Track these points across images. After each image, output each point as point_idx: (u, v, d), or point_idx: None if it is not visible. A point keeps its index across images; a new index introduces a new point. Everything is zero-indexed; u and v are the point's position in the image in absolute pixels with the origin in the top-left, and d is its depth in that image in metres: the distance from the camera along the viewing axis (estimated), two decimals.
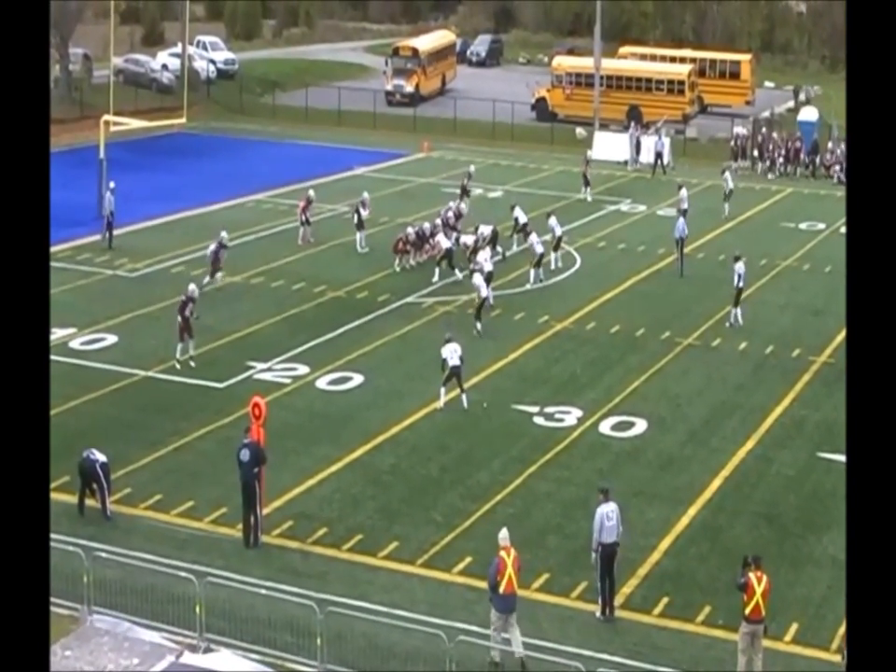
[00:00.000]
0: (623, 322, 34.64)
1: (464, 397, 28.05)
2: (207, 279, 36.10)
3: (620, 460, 25.84)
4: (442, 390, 27.97)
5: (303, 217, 42.43)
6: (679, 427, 27.58)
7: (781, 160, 57.09)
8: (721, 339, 33.42)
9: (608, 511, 19.78)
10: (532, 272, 38.13)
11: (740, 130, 60.27)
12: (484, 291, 33.68)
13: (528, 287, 37.62)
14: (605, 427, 27.46)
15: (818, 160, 56.61)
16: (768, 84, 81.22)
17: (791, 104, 74.75)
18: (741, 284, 34.35)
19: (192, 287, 30.98)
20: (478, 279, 33.69)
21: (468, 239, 39.73)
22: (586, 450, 26.31)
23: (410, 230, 40.17)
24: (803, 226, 47.17)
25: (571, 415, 27.85)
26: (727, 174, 48.83)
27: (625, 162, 58.18)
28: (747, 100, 72.39)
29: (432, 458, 25.74)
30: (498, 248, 40.31)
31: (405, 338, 33.23)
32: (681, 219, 40.57)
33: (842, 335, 33.99)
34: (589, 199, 49.57)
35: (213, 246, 36.69)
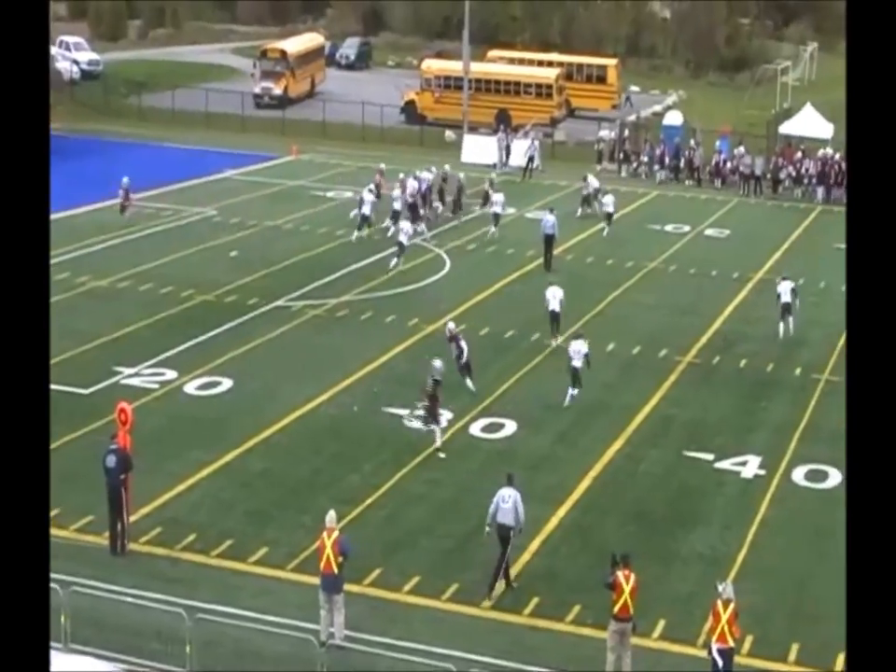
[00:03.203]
0: (492, 324, 34.86)
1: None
2: None
3: (491, 461, 25.99)
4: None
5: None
6: (548, 428, 27.85)
7: (646, 163, 58.07)
8: (588, 340, 33.72)
9: (504, 495, 20.59)
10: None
11: (605, 133, 61.10)
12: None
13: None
14: (475, 429, 27.61)
15: (681, 163, 57.71)
16: (634, 88, 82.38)
17: (657, 108, 75.97)
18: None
19: None
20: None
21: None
22: (457, 452, 26.42)
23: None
24: (668, 228, 48.00)
25: (442, 417, 27.90)
26: (589, 177, 49.52)
27: (494, 165, 58.57)
28: (613, 104, 73.38)
29: (304, 461, 25.62)
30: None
31: (275, 341, 33.02)
32: (552, 216, 40.94)
33: (707, 335, 34.69)
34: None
35: None
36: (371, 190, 45.01)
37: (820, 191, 54.18)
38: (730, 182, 56.59)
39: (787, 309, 34.91)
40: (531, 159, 56.95)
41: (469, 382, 29.28)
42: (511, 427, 27.80)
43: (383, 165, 49.42)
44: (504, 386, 30.25)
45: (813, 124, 58.22)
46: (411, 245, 40.82)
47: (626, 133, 61.05)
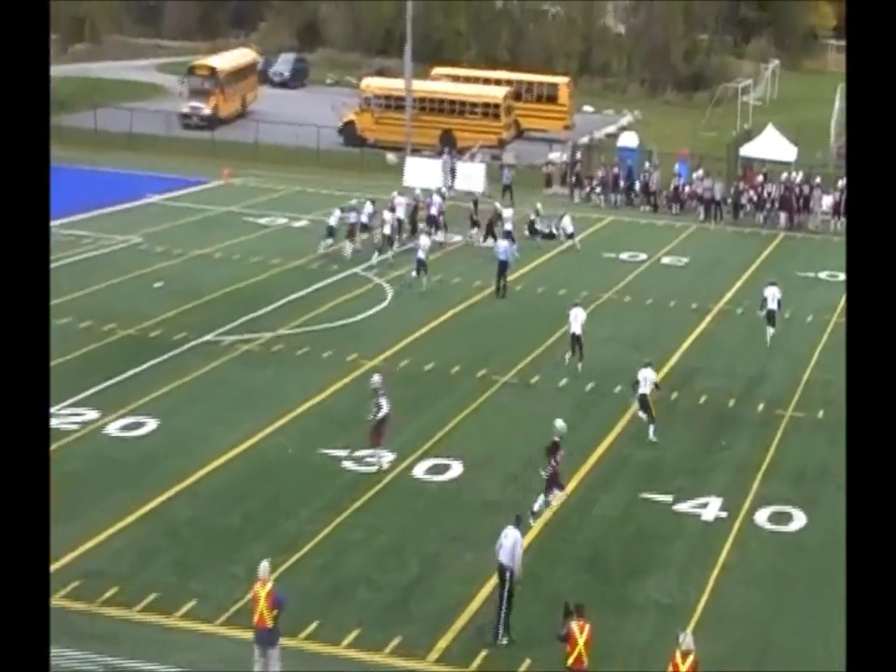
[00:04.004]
0: (438, 359, 35.01)
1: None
2: None
3: (435, 505, 26.08)
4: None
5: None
6: (497, 469, 27.98)
7: (599, 188, 58.53)
8: (539, 375, 34.05)
9: (506, 531, 21.16)
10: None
11: (554, 155, 61.46)
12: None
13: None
14: (419, 471, 27.69)
15: (636, 187, 58.25)
16: (587, 108, 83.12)
17: (611, 128, 76.68)
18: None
19: None
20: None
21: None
22: (400, 495, 26.48)
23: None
24: (624, 256, 48.43)
25: (384, 458, 27.97)
26: (496, 204, 49.56)
27: (438, 190, 58.71)
28: (565, 124, 73.97)
29: (234, 507, 25.58)
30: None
31: (204, 379, 32.96)
32: (505, 242, 41.73)
33: (664, 370, 34.97)
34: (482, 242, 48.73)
35: None
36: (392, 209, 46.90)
37: (783, 217, 54.90)
38: (688, 207, 57.18)
39: (771, 317, 36.37)
40: (507, 187, 56.74)
41: (370, 451, 27.61)
42: (457, 468, 27.91)
43: (419, 190, 50.85)
44: (450, 425, 30.37)
45: (775, 146, 58.94)
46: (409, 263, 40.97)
47: (579, 155, 61.54)
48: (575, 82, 79.86)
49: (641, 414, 30.56)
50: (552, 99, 74.48)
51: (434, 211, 48.30)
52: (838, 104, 66.83)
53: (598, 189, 58.74)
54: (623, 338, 37.72)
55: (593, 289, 42.93)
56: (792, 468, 28.65)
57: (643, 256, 48.59)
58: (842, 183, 53.98)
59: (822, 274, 46.39)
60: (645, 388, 30.29)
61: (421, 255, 41.78)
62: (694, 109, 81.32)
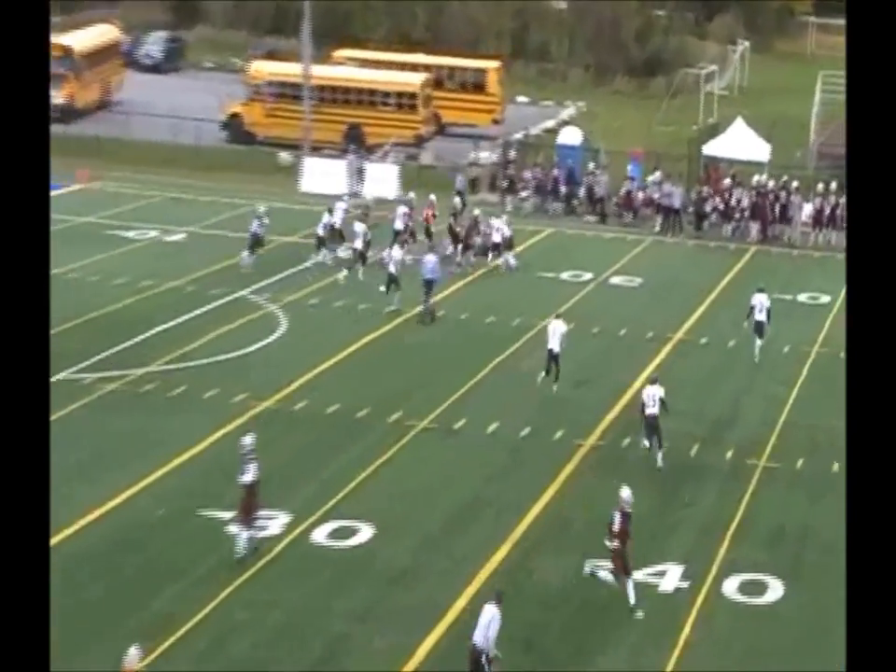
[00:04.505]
0: (343, 399, 35.12)
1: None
2: None
3: (340, 576, 26.15)
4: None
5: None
6: (413, 532, 28.11)
7: (535, 194, 58.81)
8: (465, 419, 34.27)
9: (485, 608, 21.99)
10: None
11: (484, 155, 61.90)
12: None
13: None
14: (320, 536, 27.74)
15: (581, 192, 58.66)
16: (521, 99, 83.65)
17: (550, 123, 77.26)
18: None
19: None
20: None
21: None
22: (297, 565, 26.53)
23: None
24: (564, 276, 48.82)
25: (277, 521, 28.03)
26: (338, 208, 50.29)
27: (343, 197, 58.88)
28: (495, 118, 74.42)
29: (96, 580, 25.51)
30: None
31: (58, 426, 32.66)
32: (434, 257, 42.77)
33: (614, 412, 35.31)
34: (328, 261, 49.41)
35: None
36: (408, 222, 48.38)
37: (755, 228, 55.52)
38: (642, 216, 57.71)
39: (759, 329, 38.40)
40: (460, 193, 56.97)
41: (237, 528, 26.77)
42: (366, 532, 28.00)
43: (433, 197, 51.59)
44: (357, 480, 30.47)
45: (745, 143, 59.59)
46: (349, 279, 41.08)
47: (512, 154, 61.93)
48: (506, 67, 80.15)
49: (645, 443, 31.73)
50: (479, 87, 74.95)
51: (323, 225, 48.71)
52: (820, 94, 67.85)
53: (533, 196, 59.04)
54: (564, 374, 37.90)
55: (527, 315, 43.22)
56: (767, 528, 29.01)
57: (588, 275, 49.02)
58: (822, 187, 54.85)
59: (802, 297, 47.08)
60: (653, 408, 31.24)
61: (392, 269, 42.89)
62: (649, 100, 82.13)
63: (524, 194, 58.92)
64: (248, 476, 26.65)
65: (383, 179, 59.27)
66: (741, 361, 39.47)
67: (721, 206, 56.54)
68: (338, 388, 36.18)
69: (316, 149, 64.81)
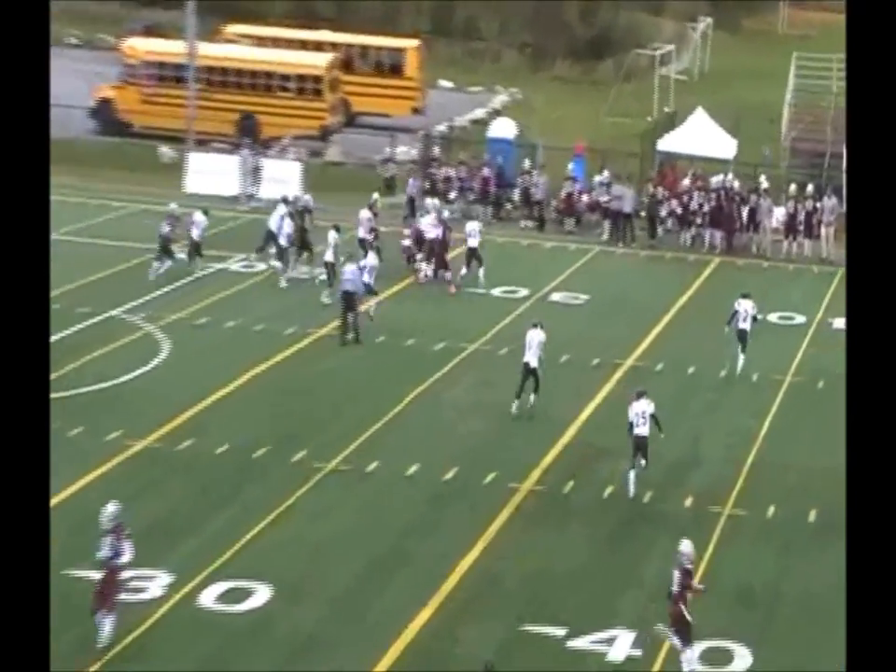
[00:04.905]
0: (235, 438, 35.06)
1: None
2: None
3: (233, 645, 26.10)
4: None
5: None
6: (318, 594, 28.06)
7: (457, 194, 58.94)
8: (380, 460, 34.28)
9: None
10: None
11: (401, 150, 61.92)
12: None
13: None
14: (208, 599, 27.64)
15: (515, 194, 58.78)
16: (445, 84, 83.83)
17: (478, 112, 77.48)
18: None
19: None
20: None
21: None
22: (181, 632, 26.42)
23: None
24: (497, 292, 48.95)
25: (156, 582, 27.93)
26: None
27: (235, 198, 58.86)
28: (414, 106, 74.54)
29: None
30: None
31: None
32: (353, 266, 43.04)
33: (555, 451, 35.45)
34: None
35: None
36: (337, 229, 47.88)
37: (718, 237, 55.84)
38: (587, 223, 58.00)
39: (742, 338, 39.84)
40: (411, 200, 57.05)
41: (97, 615, 25.81)
42: (262, 593, 27.93)
43: (376, 195, 52.15)
44: (253, 532, 30.38)
45: (707, 137, 59.99)
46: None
47: (434, 150, 61.99)
48: (428, 47, 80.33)
49: (643, 462, 32.76)
50: (395, 70, 75.16)
51: (195, 235, 49.33)
52: (794, 79, 68.37)
53: (460, 198, 59.19)
54: (496, 406, 38.04)
55: (453, 338, 43.36)
56: (732, 587, 29.12)
57: (524, 291, 49.23)
58: (796, 189, 55.31)
59: (773, 317, 47.34)
60: (643, 428, 32.12)
61: (369, 279, 43.58)
62: (595, 87, 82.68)
63: (451, 195, 58.89)
64: (107, 551, 26.04)
65: (282, 179, 59.13)
66: (703, 391, 39.76)
67: (679, 211, 56.89)
68: (229, 424, 36.12)
69: (203, 143, 64.59)
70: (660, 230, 56.85)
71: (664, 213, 56.99)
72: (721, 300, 48.43)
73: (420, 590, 28.37)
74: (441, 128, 71.23)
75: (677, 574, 25.45)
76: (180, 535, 29.89)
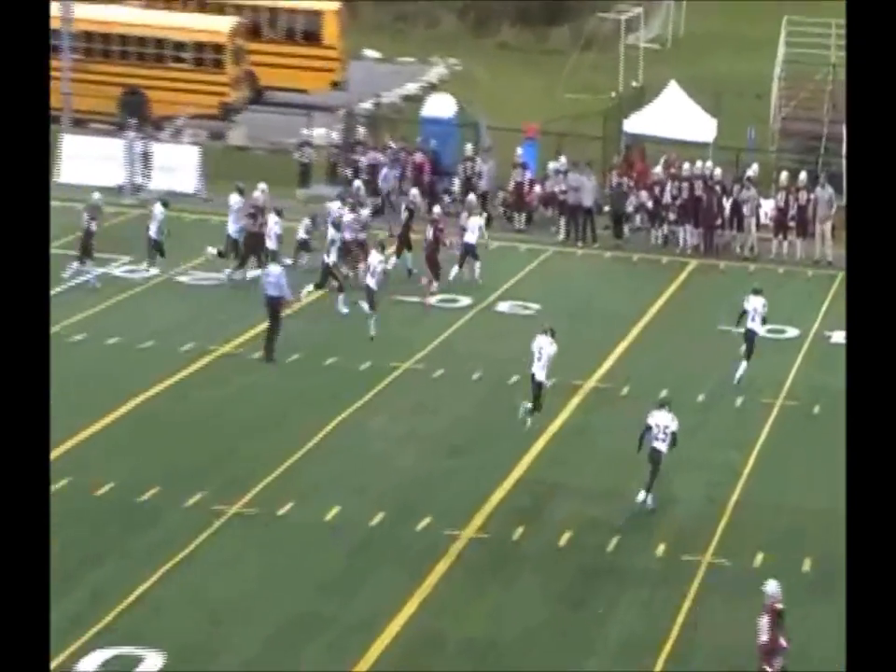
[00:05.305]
0: (119, 476, 34.95)
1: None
2: None
3: None
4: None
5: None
6: (218, 664, 27.96)
7: (392, 185, 59.08)
8: (294, 501, 34.18)
9: None
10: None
11: (319, 132, 61.92)
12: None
13: None
14: (88, 667, 27.52)
15: (454, 184, 58.81)
16: (371, 54, 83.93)
17: (411, 87, 77.57)
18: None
19: None
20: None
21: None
22: None
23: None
24: (433, 300, 48.91)
25: None
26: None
27: (120, 189, 58.61)
28: (334, 80, 74.51)
29: None
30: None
31: None
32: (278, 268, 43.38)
33: (501, 490, 35.42)
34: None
35: None
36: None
37: (696, 234, 55.98)
38: (540, 218, 58.10)
39: (749, 340, 40.69)
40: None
41: None
42: (152, 661, 27.78)
43: (263, 185, 52.07)
44: (139, 589, 30.26)
45: (682, 117, 60.11)
46: None
47: (358, 133, 62.00)
48: (350, 10, 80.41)
49: (643, 497, 33.56)
50: (311, 38, 75.10)
51: (152, 232, 50.00)
52: (784, 48, 68.60)
53: (390, 189, 59.15)
54: (433, 436, 38.09)
55: (381, 356, 43.39)
56: (712, 650, 29.16)
57: (466, 300, 49.32)
58: (787, 178, 55.50)
59: (761, 330, 47.47)
60: (662, 443, 33.00)
61: (371, 282, 44.90)
62: (549, 57, 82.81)
63: (380, 185, 58.87)
64: None
65: (177, 167, 59.04)
66: (678, 418, 39.72)
67: (650, 204, 56.99)
68: (112, 461, 36.02)
69: (81, 123, 64.44)
70: (626, 227, 56.94)
71: (631, 207, 57.08)
72: (698, 309, 48.73)
73: (343, 656, 28.29)
74: (367, 105, 71.31)
75: (765, 620, 25.62)
76: (53, 593, 29.64)
